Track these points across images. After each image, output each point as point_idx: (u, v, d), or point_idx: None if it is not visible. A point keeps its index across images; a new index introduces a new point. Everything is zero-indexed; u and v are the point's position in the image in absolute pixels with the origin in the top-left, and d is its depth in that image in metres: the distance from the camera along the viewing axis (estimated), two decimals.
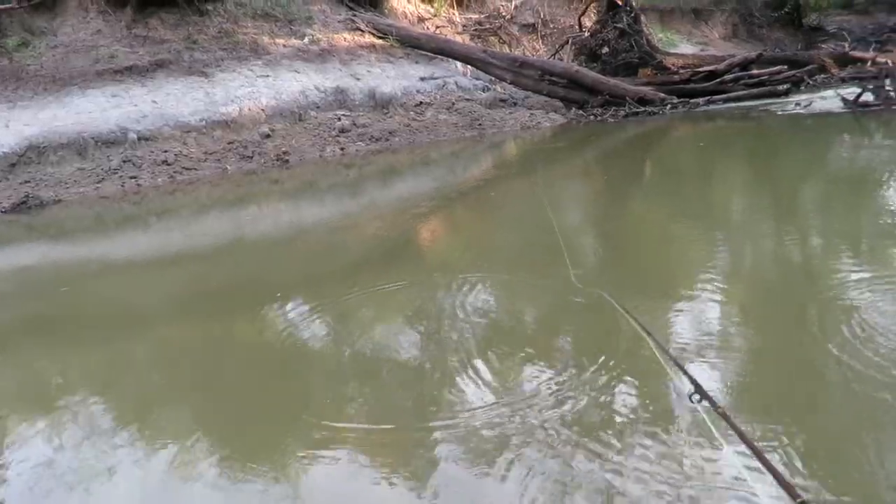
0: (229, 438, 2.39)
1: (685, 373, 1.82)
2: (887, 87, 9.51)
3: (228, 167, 8.58)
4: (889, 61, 11.72)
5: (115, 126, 8.73)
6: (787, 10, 20.53)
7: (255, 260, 4.92)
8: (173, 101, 9.39)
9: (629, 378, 2.42)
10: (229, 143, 9.11)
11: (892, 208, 4.66)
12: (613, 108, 11.13)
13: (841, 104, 9.43)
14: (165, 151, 8.62)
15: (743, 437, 1.50)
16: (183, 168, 8.39)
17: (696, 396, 1.66)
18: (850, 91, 9.73)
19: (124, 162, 8.30)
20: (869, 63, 12.67)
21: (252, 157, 8.88)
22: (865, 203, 4.90)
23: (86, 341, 3.58)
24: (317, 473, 2.12)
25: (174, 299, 4.20)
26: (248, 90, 9.99)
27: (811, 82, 12.01)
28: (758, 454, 1.43)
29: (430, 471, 2.06)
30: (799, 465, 1.88)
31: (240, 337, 3.39)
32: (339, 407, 2.54)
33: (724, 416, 1.56)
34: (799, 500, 1.21)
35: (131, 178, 8.03)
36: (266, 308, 3.61)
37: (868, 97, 9.35)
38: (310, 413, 2.52)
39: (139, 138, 8.72)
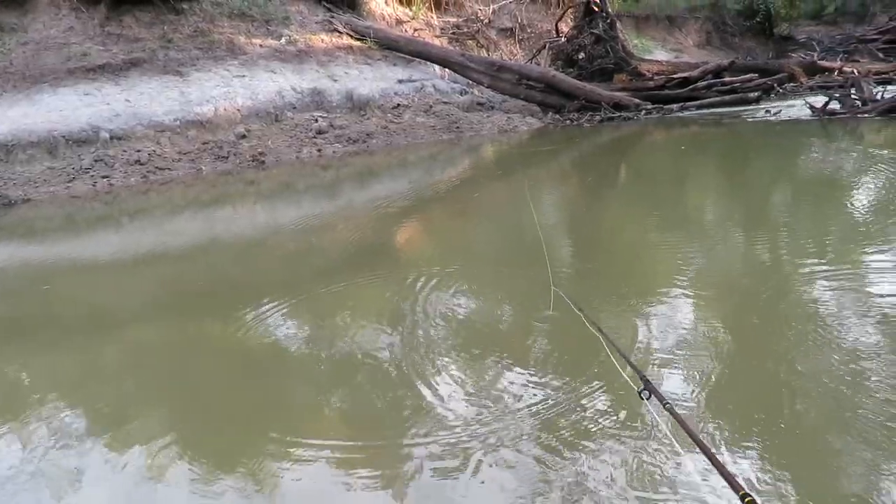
0: (201, 445, 2.37)
1: (635, 369, 1.86)
2: (853, 96, 9.76)
3: (203, 167, 8.50)
4: (855, 71, 12.05)
5: (86, 125, 8.59)
6: (758, 19, 20.99)
7: (229, 261, 4.88)
8: (147, 100, 9.27)
9: (584, 376, 2.48)
10: (204, 144, 9.02)
11: (856, 212, 4.80)
12: (589, 112, 11.28)
13: (809, 112, 9.67)
14: (139, 151, 8.50)
15: (689, 432, 1.52)
16: (156, 168, 8.29)
17: (646, 393, 1.69)
18: (818, 99, 9.97)
19: (96, 161, 8.17)
20: (836, 72, 13.02)
21: (227, 158, 8.80)
22: (831, 207, 5.03)
23: (55, 343, 3.52)
24: (288, 480, 2.10)
25: (147, 301, 4.14)
26: (223, 90, 9.90)
27: (781, 90, 12.30)
28: (703, 449, 1.45)
29: (403, 467, 2.07)
30: (749, 462, 1.93)
31: (214, 339, 3.36)
32: (312, 411, 2.55)
33: (671, 412, 1.59)
34: (741, 492, 1.23)
35: (103, 177, 7.91)
36: (240, 310, 3.58)
37: (835, 105, 9.60)
38: (283, 417, 2.51)
39: (112, 137, 8.59)
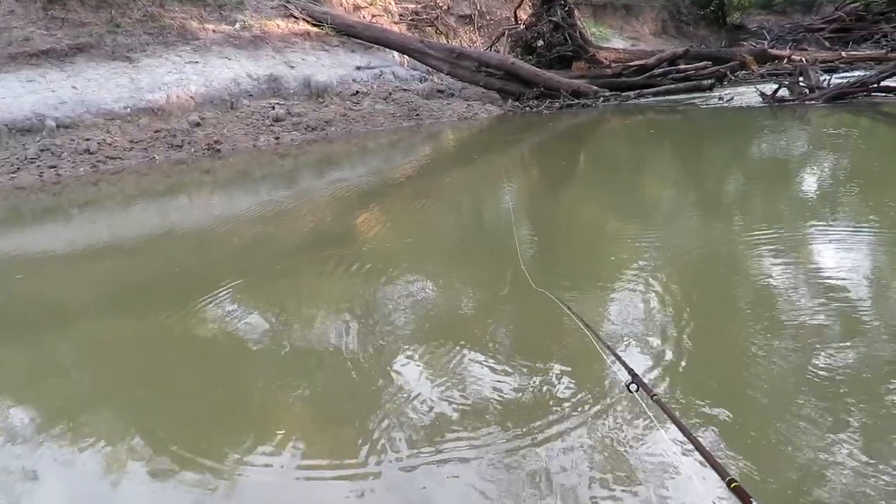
0: (161, 440, 2.30)
1: (623, 363, 1.88)
2: (801, 84, 10.07)
3: (156, 156, 8.26)
4: (803, 59, 12.40)
5: (30, 112, 8.24)
6: (712, 8, 21.50)
7: (186, 252, 4.77)
8: (95, 86, 8.94)
9: (571, 368, 2.47)
10: (157, 132, 8.77)
11: (804, 193, 4.98)
12: (548, 99, 11.36)
13: (760, 99, 9.95)
14: (87, 140, 8.21)
15: (676, 422, 1.56)
16: (107, 157, 8.02)
17: (634, 385, 1.72)
18: (768, 87, 10.26)
19: (42, 150, 7.86)
20: (785, 60, 13.38)
21: (181, 147, 8.57)
22: (781, 189, 5.20)
23: (5, 339, 3.39)
24: (252, 475, 2.06)
25: (100, 294, 4.02)
26: (176, 77, 9.62)
27: (733, 78, 12.59)
28: (690, 437, 1.48)
29: (369, 460, 2.06)
30: (729, 447, 1.97)
31: (171, 331, 3.28)
32: (275, 402, 2.51)
33: (659, 403, 1.62)
34: (728, 479, 1.27)
35: (50, 167, 7.62)
36: (198, 301, 3.51)
37: (784, 93, 9.89)
38: (245, 408, 2.47)
39: (58, 126, 8.27)
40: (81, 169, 7.70)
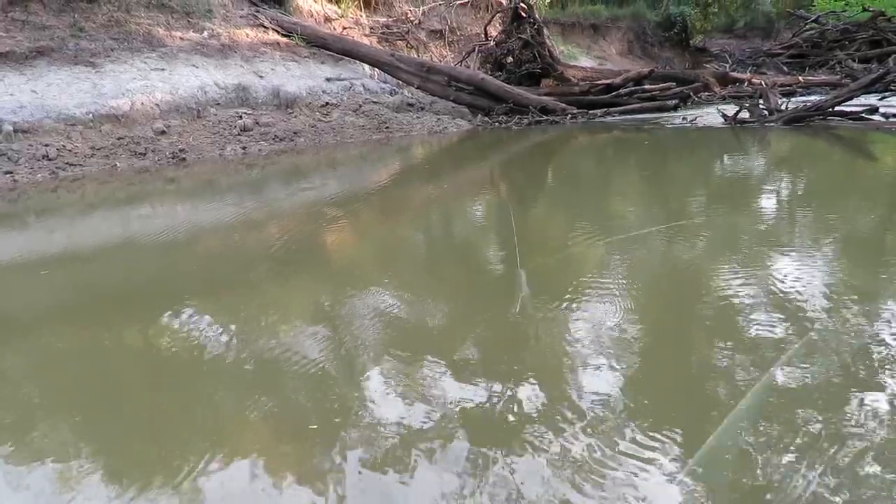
0: (116, 457, 2.23)
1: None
2: (761, 106, 10.40)
3: (118, 164, 8.07)
4: (763, 82, 12.83)
5: None
6: (675, 30, 22.13)
7: (147, 262, 4.65)
8: (56, 91, 8.71)
9: (547, 389, 2.46)
10: (119, 139, 8.57)
11: (765, 212, 5.11)
12: (517, 115, 11.50)
13: (721, 120, 10.24)
14: (46, 145, 7.97)
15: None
16: (67, 164, 7.80)
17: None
18: (730, 108, 10.58)
19: None
20: (746, 83, 13.82)
21: (145, 154, 8.40)
22: (742, 208, 5.33)
23: None
24: (212, 490, 1.99)
25: (56, 304, 3.88)
26: (140, 83, 9.44)
27: (696, 99, 12.94)
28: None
29: (334, 477, 2.02)
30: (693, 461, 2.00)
31: (130, 344, 3.19)
32: (238, 418, 2.45)
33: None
34: None
35: (6, 173, 7.37)
36: (159, 312, 3.42)
37: (745, 115, 10.20)
38: (207, 424, 2.41)
39: (16, 130, 8.02)
40: (39, 175, 7.47)
